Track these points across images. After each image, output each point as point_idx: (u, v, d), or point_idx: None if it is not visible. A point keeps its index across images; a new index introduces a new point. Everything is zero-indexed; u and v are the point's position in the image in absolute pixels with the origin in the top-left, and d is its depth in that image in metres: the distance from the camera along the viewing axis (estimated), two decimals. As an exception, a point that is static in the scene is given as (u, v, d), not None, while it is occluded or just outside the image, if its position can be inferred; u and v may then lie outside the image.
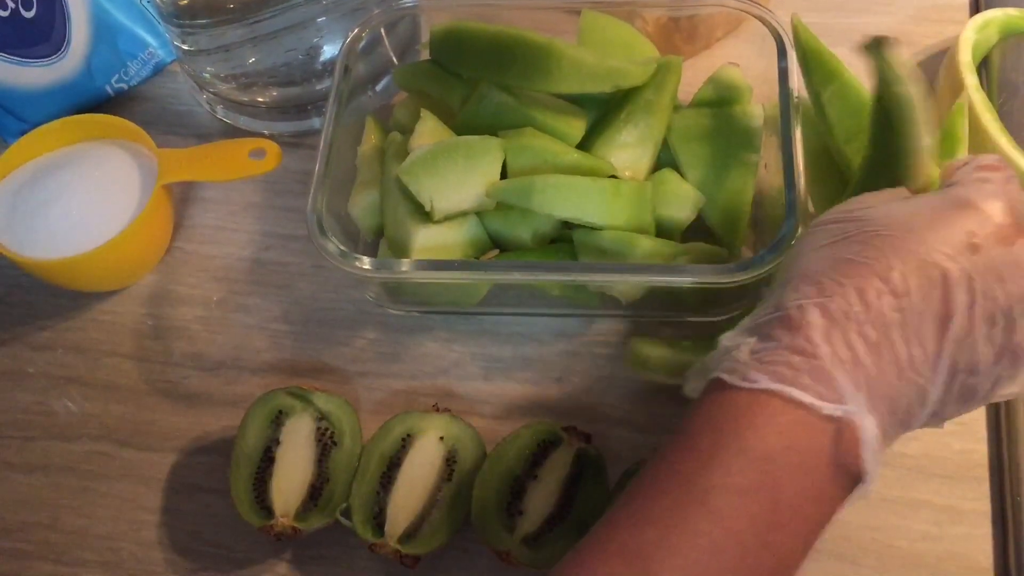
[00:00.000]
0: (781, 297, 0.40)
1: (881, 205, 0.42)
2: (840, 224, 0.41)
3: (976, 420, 0.56)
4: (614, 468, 0.54)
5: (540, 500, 0.52)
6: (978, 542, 0.52)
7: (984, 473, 0.54)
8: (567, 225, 0.58)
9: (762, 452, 0.36)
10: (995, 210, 0.39)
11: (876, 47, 0.48)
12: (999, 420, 0.56)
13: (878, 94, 0.49)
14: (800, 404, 0.37)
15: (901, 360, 0.38)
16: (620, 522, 0.38)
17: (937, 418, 0.40)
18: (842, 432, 0.37)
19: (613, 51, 0.61)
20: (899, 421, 0.39)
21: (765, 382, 0.37)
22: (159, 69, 0.76)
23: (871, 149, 0.52)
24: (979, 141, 0.59)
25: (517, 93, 0.59)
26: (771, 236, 0.54)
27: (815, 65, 0.58)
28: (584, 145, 0.60)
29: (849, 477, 0.38)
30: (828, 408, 0.37)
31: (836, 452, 0.37)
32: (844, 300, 0.38)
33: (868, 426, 0.37)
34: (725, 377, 0.39)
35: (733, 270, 0.51)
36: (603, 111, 0.61)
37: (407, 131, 0.61)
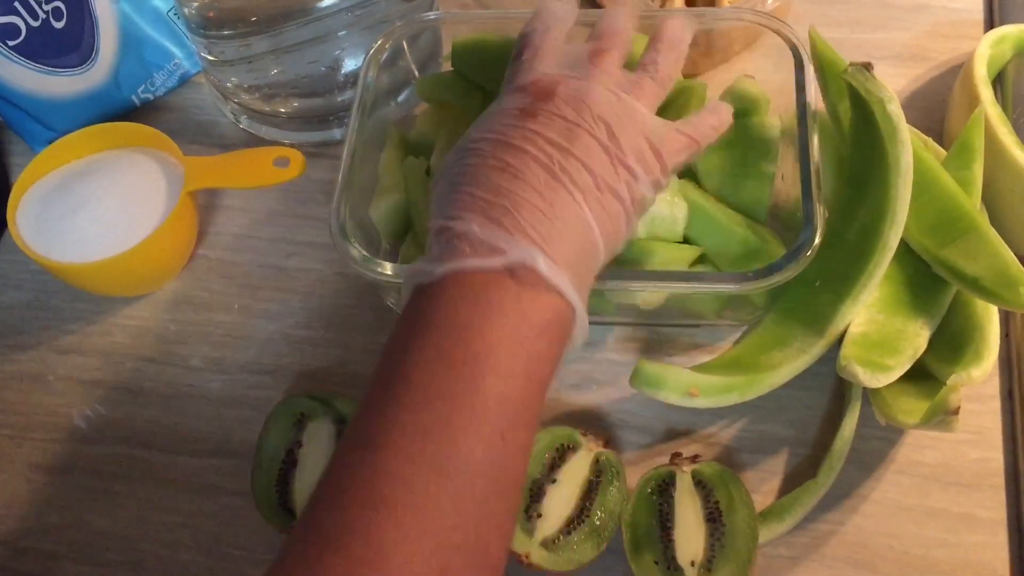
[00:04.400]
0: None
1: None
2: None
3: (992, 429, 0.56)
4: (631, 473, 0.55)
5: (559, 503, 0.53)
6: (995, 550, 0.53)
7: (1000, 482, 0.55)
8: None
9: (461, 320, 0.41)
10: (528, 82, 0.48)
11: (862, 70, 0.53)
12: (1015, 429, 0.56)
13: (864, 112, 0.52)
14: (475, 270, 0.41)
15: (536, 205, 0.42)
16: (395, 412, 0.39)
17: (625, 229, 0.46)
18: (516, 271, 0.41)
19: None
20: (582, 249, 0.44)
21: (435, 267, 0.42)
22: (184, 80, 0.78)
23: (854, 164, 0.56)
24: (994, 154, 0.59)
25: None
26: (787, 246, 0.55)
27: (832, 78, 0.59)
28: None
29: (550, 308, 0.42)
30: (496, 260, 0.41)
31: (520, 288, 0.41)
32: (469, 184, 0.44)
33: (536, 257, 0.41)
34: (418, 281, 0.43)
35: (751, 278, 0.52)
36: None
37: (428, 140, 0.62)
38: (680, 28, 0.52)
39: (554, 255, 0.42)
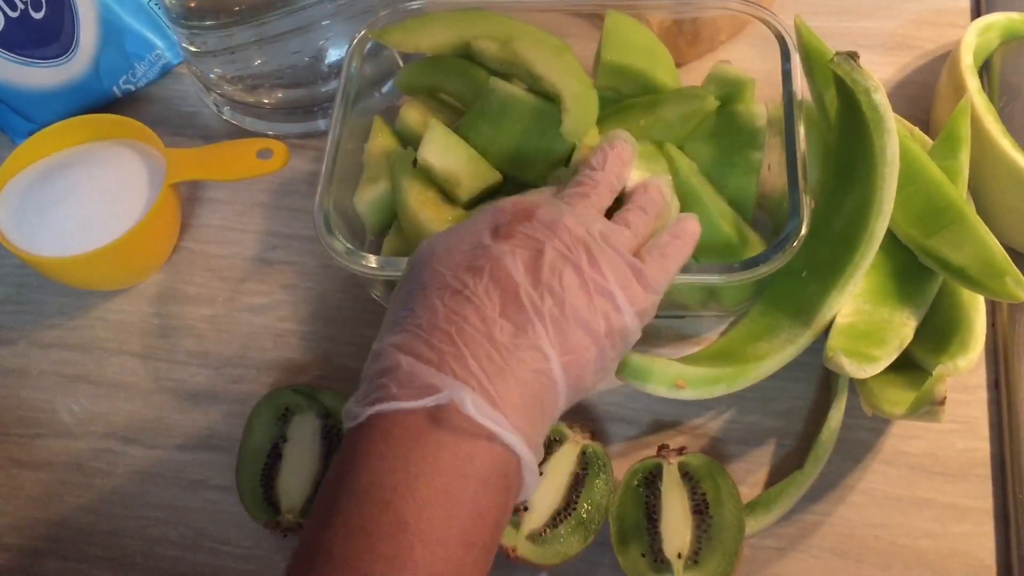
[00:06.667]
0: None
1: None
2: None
3: (979, 419, 0.56)
4: (618, 466, 0.55)
5: (545, 496, 0.52)
6: (981, 540, 0.53)
7: (987, 471, 0.55)
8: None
9: (387, 478, 0.38)
10: (507, 203, 0.45)
11: (848, 60, 0.52)
12: (1001, 419, 0.56)
13: (850, 102, 0.52)
14: (402, 411, 0.38)
15: (483, 334, 0.40)
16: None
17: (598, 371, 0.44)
18: (440, 415, 0.38)
19: (635, 54, 0.62)
20: (536, 387, 0.40)
21: (360, 409, 0.39)
22: (166, 71, 0.77)
23: (840, 154, 0.55)
24: (981, 143, 0.59)
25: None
26: (774, 236, 0.54)
27: (818, 67, 0.59)
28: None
29: (490, 458, 0.39)
30: (419, 403, 0.38)
31: (452, 436, 0.38)
32: (414, 305, 0.42)
33: (464, 396, 0.38)
34: (347, 424, 0.40)
35: (736, 269, 0.52)
36: (609, 111, 0.61)
37: (413, 131, 0.62)
38: (666, 193, 0.51)
39: (496, 394, 0.38)
